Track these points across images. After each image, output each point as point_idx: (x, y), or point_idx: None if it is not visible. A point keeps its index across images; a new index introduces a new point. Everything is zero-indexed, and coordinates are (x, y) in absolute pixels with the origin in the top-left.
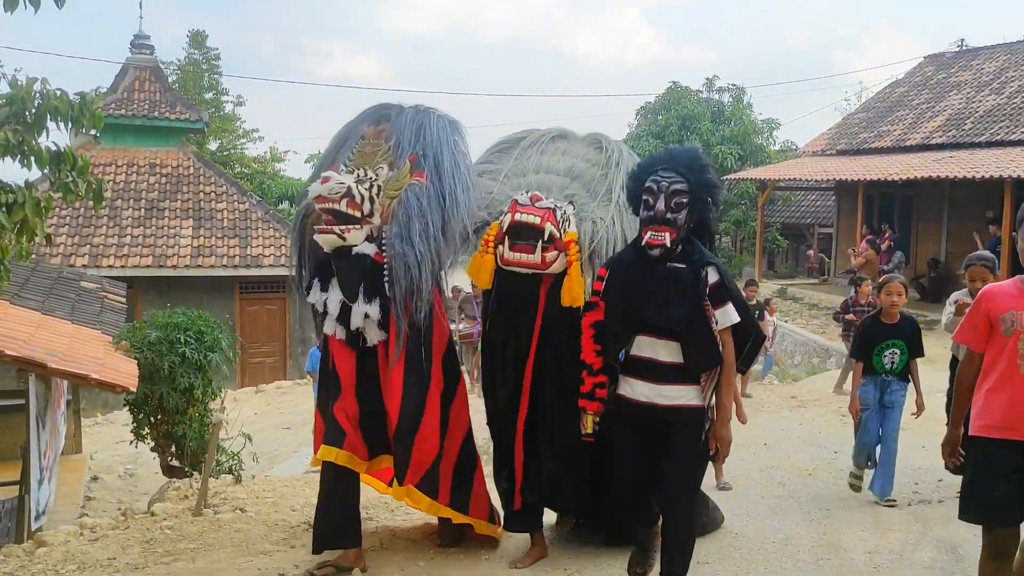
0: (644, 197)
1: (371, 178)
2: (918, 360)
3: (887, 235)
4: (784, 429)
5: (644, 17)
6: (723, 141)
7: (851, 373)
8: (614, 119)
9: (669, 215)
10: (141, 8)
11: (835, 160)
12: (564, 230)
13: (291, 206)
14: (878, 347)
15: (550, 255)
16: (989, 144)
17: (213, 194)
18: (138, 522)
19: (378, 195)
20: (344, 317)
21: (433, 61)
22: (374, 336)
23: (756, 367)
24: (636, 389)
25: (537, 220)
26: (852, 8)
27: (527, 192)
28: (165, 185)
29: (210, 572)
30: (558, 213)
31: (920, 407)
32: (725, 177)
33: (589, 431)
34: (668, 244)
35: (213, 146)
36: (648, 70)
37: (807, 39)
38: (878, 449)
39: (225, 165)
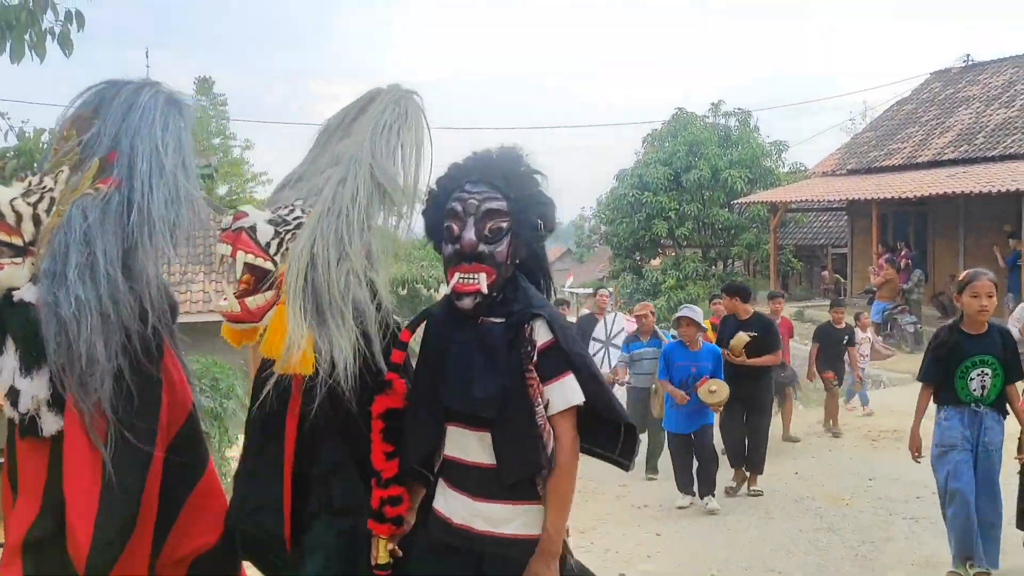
0: (447, 224)
1: (44, 188)
2: (1018, 384)
3: (903, 253)
4: (813, 456)
5: (645, 42)
6: (731, 165)
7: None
8: (622, 148)
9: (484, 247)
10: (147, 57)
11: (846, 180)
12: (283, 255)
13: None
14: (961, 366)
15: (256, 299)
16: (1002, 158)
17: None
18: None
19: (49, 213)
20: (14, 394)
21: (431, 99)
22: (50, 424)
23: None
24: (450, 504)
25: (227, 250)
26: (852, 27)
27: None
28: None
29: None
30: (262, 232)
31: None
32: (735, 201)
33: (381, 562)
34: (484, 289)
35: (222, 190)
36: (656, 97)
37: (809, 61)
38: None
39: (234, 209)
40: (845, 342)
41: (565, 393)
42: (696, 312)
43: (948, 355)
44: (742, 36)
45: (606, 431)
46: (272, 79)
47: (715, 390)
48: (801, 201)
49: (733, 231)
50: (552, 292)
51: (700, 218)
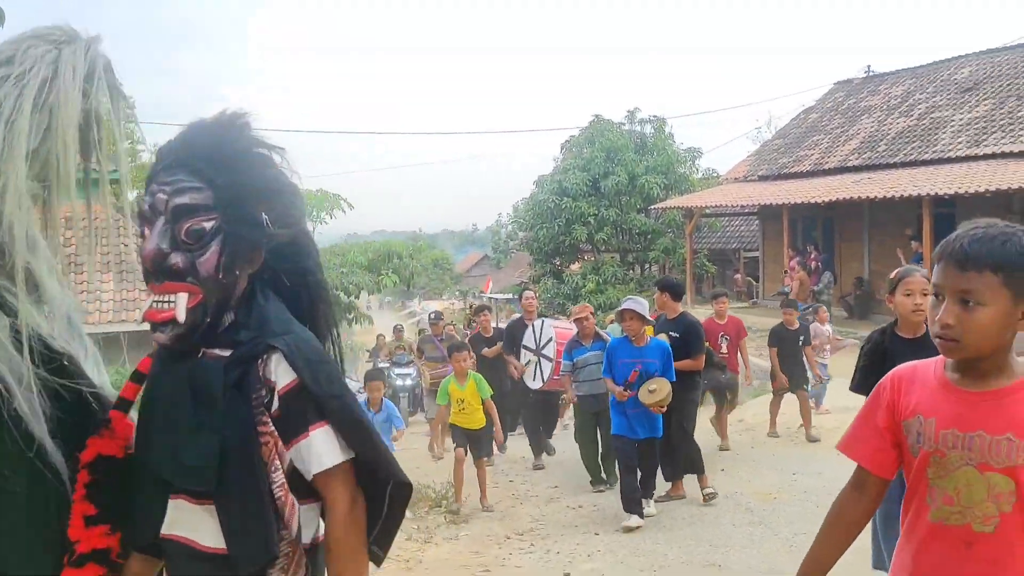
0: (139, 229)
1: None
2: None
3: (813, 256)
4: (737, 454)
5: (559, 51)
6: (648, 171)
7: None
8: (538, 154)
9: (178, 257)
10: None
11: (757, 186)
12: None
13: None
14: None
15: None
16: (903, 164)
17: (135, 246)
18: None
19: None
20: None
21: (351, 102)
22: None
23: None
24: None
25: None
26: (758, 38)
27: None
28: (83, 239)
29: None
30: None
31: None
32: (652, 206)
33: None
34: (182, 316)
35: (131, 196)
36: (571, 103)
37: (719, 70)
38: None
39: None
40: (800, 342)
41: (318, 450)
42: (641, 304)
43: (881, 362)
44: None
45: (376, 492)
46: (183, 82)
47: (655, 389)
48: (715, 206)
49: (650, 236)
50: (329, 316)
51: (618, 223)
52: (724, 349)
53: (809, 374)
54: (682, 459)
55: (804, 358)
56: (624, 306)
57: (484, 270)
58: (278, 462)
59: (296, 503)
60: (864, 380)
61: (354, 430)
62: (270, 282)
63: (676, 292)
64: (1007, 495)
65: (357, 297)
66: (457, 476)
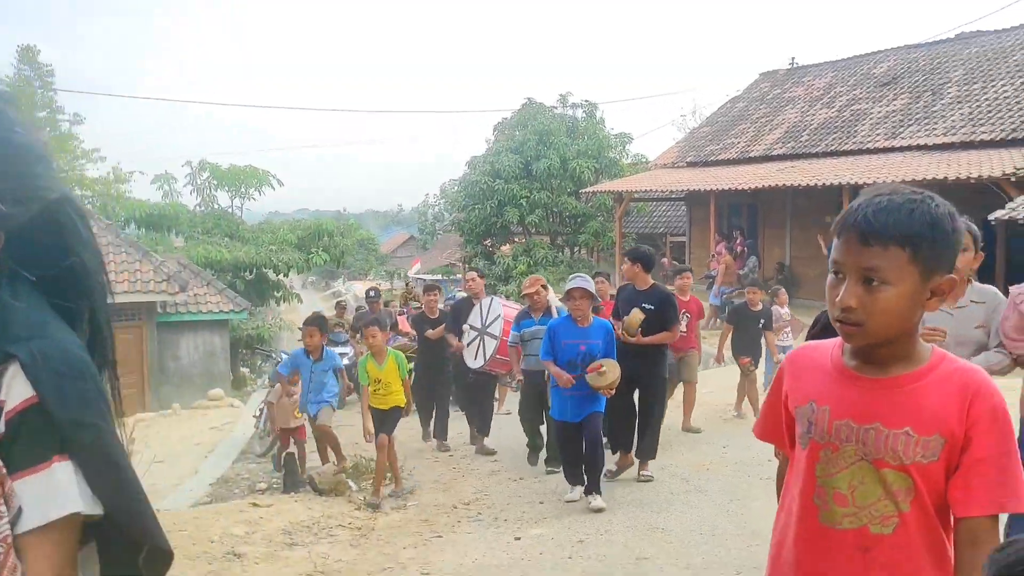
0: None
1: None
2: None
3: (739, 241)
4: (669, 428)
5: (491, 35)
6: (579, 155)
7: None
8: (468, 136)
9: None
10: None
11: (686, 172)
12: None
13: (140, 229)
14: None
15: None
16: (824, 154)
17: None
18: None
19: None
20: None
21: (276, 79)
22: None
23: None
24: None
25: None
26: (689, 27)
27: None
28: None
29: None
30: None
31: None
32: (583, 190)
33: None
34: None
35: None
36: (502, 85)
37: (649, 57)
38: None
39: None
40: (761, 325)
41: (47, 495)
42: (590, 282)
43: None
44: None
45: (122, 557)
46: (100, 51)
47: (605, 371)
48: (644, 191)
49: (580, 219)
50: (105, 312)
51: (549, 206)
52: (683, 327)
53: (763, 360)
54: (647, 439)
55: (763, 340)
56: (572, 284)
57: (410, 251)
58: (1, 503)
59: (17, 561)
60: None
61: (104, 471)
62: (22, 275)
63: (648, 263)
64: (905, 492)
65: (286, 275)
66: (380, 467)
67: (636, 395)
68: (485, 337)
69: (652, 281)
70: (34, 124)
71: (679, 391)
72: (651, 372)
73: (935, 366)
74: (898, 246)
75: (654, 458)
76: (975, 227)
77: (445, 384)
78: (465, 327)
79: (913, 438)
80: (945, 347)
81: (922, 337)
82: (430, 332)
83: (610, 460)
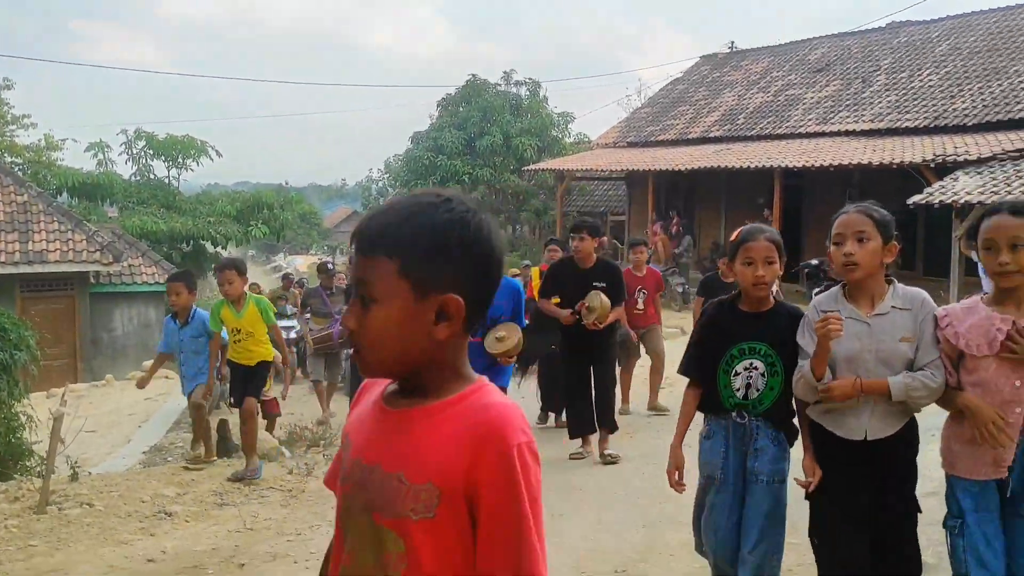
0: None
1: None
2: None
3: (675, 221)
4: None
5: (437, 11)
6: (522, 133)
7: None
8: (413, 111)
9: None
10: None
11: (626, 152)
12: None
13: (72, 198)
14: (726, 356)
15: None
16: (759, 138)
17: None
18: None
19: None
20: None
21: (215, 47)
22: None
23: None
24: None
25: None
26: (632, 9)
27: None
28: None
29: (72, 564)
30: None
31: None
32: (525, 168)
33: None
34: None
35: None
36: (446, 64)
37: (592, 37)
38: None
39: None
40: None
41: None
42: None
43: (713, 339)
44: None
45: None
46: (28, 11)
47: (503, 336)
48: (585, 170)
49: (522, 197)
50: None
51: (492, 183)
52: (640, 304)
53: None
54: (606, 412)
55: None
56: None
57: (353, 226)
58: None
59: None
60: (691, 363)
61: None
62: None
63: (595, 231)
64: (397, 558)
65: (225, 248)
66: (248, 437)
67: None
68: None
69: (596, 256)
70: None
71: (639, 369)
72: (604, 343)
73: (462, 399)
74: (385, 256)
75: (616, 430)
76: (887, 213)
77: None
78: None
79: (405, 485)
80: (863, 364)
81: (816, 331)
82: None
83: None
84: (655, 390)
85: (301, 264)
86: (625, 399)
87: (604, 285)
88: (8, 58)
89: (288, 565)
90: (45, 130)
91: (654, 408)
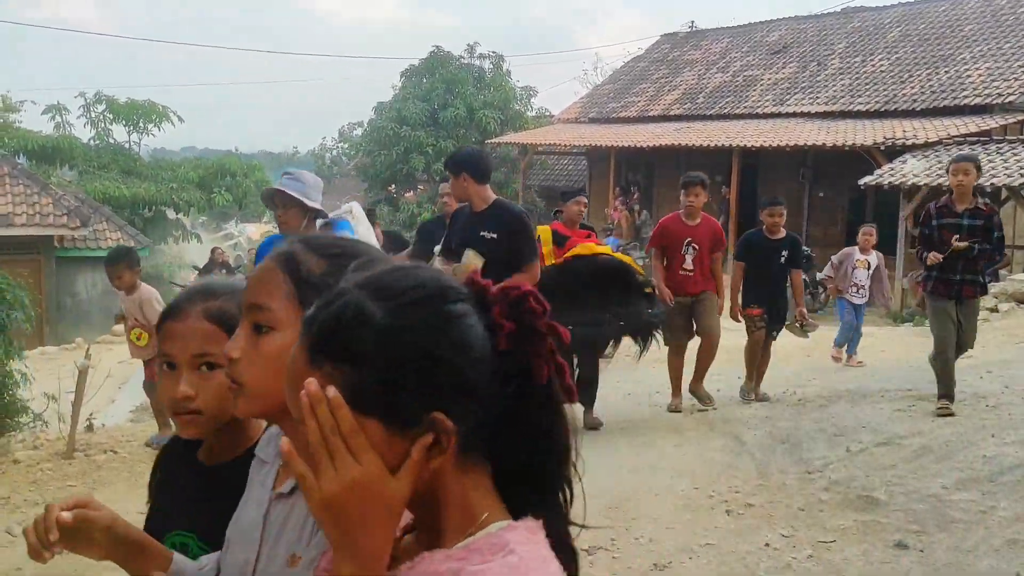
0: None
1: None
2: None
3: (635, 196)
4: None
5: None
6: (485, 106)
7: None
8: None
9: None
10: None
11: (588, 128)
12: None
13: (31, 161)
14: None
15: None
16: (718, 117)
17: None
18: (10, 468)
19: None
20: None
21: (160, 8)
22: None
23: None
24: None
25: None
26: None
27: None
28: None
29: (114, 501)
30: None
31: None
32: (488, 141)
33: None
34: None
35: None
36: (397, 33)
37: (547, 9)
38: None
39: None
40: (784, 259)
41: None
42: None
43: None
44: None
45: None
46: None
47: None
48: (547, 145)
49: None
50: None
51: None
52: (689, 264)
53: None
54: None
55: (790, 284)
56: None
57: None
58: None
59: None
60: None
61: None
62: None
63: (476, 169)
64: None
65: (187, 215)
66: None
67: None
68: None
69: (493, 197)
70: None
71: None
72: None
73: None
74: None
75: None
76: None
77: None
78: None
79: None
80: None
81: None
82: None
83: None
84: (700, 372)
85: (254, 232)
86: (675, 391)
87: (495, 236)
88: None
89: None
90: (2, 91)
91: (694, 394)
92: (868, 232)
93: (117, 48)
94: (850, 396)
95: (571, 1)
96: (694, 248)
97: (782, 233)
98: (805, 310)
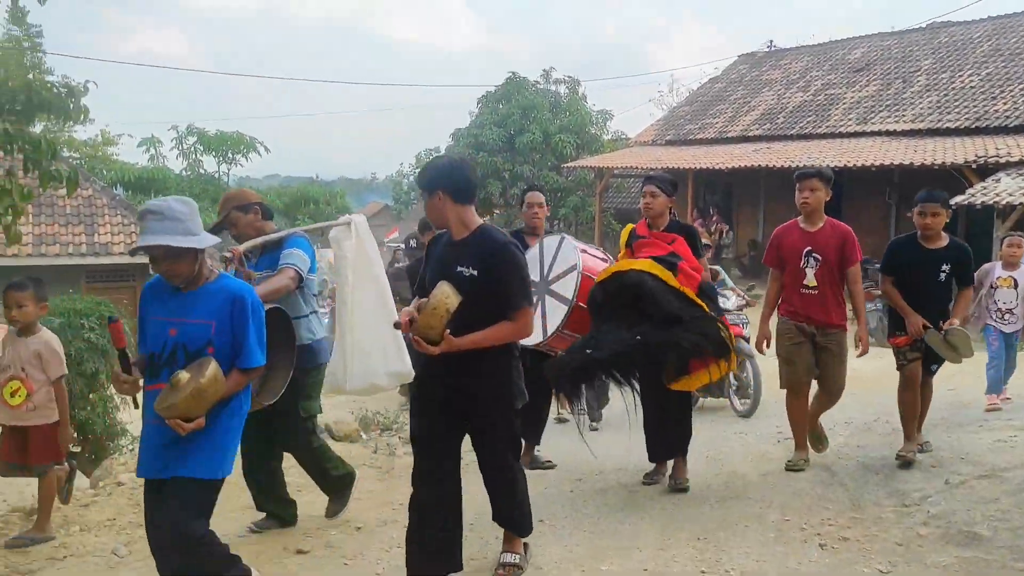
0: None
1: None
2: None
3: (715, 218)
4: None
5: (464, 4)
6: (561, 130)
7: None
8: (448, 109)
9: None
10: None
11: (665, 150)
12: None
13: (127, 192)
14: None
15: None
16: (799, 137)
17: (32, 177)
18: (115, 490)
19: None
20: None
21: (244, 41)
22: None
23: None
24: None
25: None
26: (663, 3)
27: None
28: None
29: (228, 523)
30: None
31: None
32: (565, 165)
33: None
34: None
35: (38, 129)
36: (473, 58)
37: (621, 30)
38: None
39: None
40: (945, 273)
41: None
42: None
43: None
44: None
45: None
46: (57, 2)
47: (179, 383)
48: (624, 168)
49: (561, 194)
50: None
51: (531, 180)
52: (811, 280)
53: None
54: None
55: (950, 304)
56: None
57: (384, 220)
58: None
59: None
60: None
61: None
62: None
63: (459, 186)
64: None
65: None
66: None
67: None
68: (548, 298)
69: (478, 222)
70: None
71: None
72: (491, 397)
73: None
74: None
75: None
76: None
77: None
78: None
79: None
80: None
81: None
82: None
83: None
84: (813, 415)
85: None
86: (799, 443)
87: (476, 273)
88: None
89: (398, 530)
90: (102, 126)
91: (814, 441)
92: (1016, 243)
93: (204, 80)
94: (946, 425)
95: (645, 21)
96: (815, 259)
97: (943, 240)
98: (958, 320)
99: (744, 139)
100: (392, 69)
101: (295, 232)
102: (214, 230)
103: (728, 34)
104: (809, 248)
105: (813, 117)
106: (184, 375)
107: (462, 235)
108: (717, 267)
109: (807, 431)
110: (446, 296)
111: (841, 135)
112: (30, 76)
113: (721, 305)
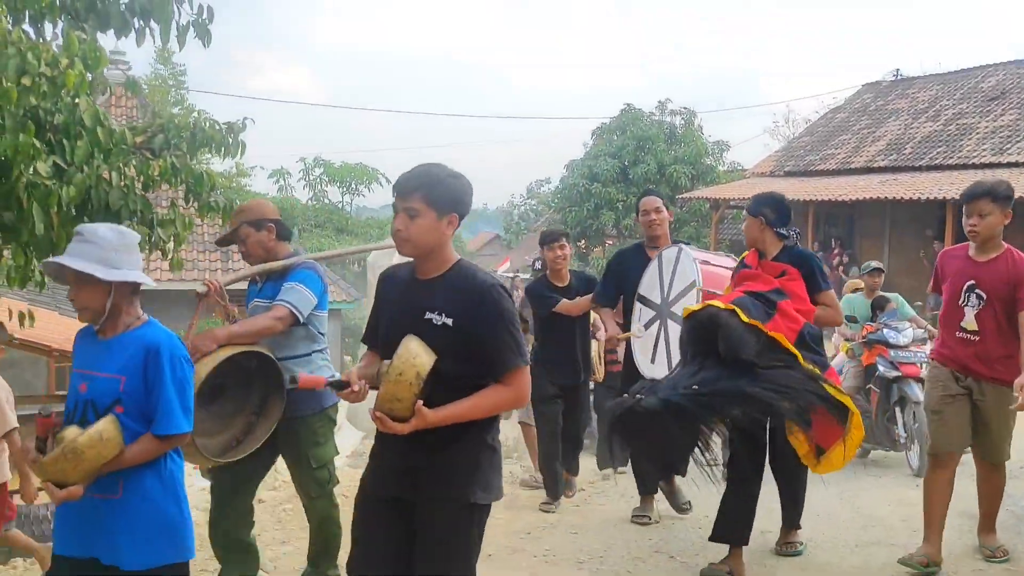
0: None
1: None
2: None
3: (836, 252)
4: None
5: (575, 38)
6: (676, 161)
7: None
8: (561, 140)
9: None
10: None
11: (784, 181)
12: None
13: None
14: None
15: None
16: (928, 168)
17: (192, 207)
18: (256, 507)
19: None
20: None
21: (366, 76)
22: None
23: None
24: None
25: None
26: (780, 36)
27: None
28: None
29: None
30: None
31: None
32: (680, 196)
33: None
34: None
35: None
36: (584, 92)
37: (734, 64)
38: None
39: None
40: None
41: None
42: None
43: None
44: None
45: None
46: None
47: (75, 449)
48: (741, 199)
49: (675, 224)
50: None
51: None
52: (971, 322)
53: None
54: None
55: None
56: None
57: (495, 250)
58: None
59: None
60: None
61: None
62: None
63: (440, 199)
64: None
65: None
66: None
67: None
68: (669, 322)
69: (455, 257)
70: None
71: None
72: (441, 479)
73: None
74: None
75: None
76: None
77: (579, 398)
78: (637, 302)
79: None
80: None
81: None
82: (564, 304)
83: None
84: (988, 515)
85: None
86: (930, 535)
87: (447, 323)
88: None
89: (527, 559)
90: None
91: (983, 544)
92: None
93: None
94: None
95: (757, 52)
96: (979, 297)
97: None
98: None
99: (868, 170)
100: (509, 103)
101: (304, 262)
102: (222, 243)
103: (847, 66)
104: (972, 283)
105: (944, 147)
106: (72, 431)
107: (430, 273)
108: (889, 295)
109: (985, 536)
110: (414, 356)
111: (975, 166)
112: (195, 114)
113: (891, 340)
